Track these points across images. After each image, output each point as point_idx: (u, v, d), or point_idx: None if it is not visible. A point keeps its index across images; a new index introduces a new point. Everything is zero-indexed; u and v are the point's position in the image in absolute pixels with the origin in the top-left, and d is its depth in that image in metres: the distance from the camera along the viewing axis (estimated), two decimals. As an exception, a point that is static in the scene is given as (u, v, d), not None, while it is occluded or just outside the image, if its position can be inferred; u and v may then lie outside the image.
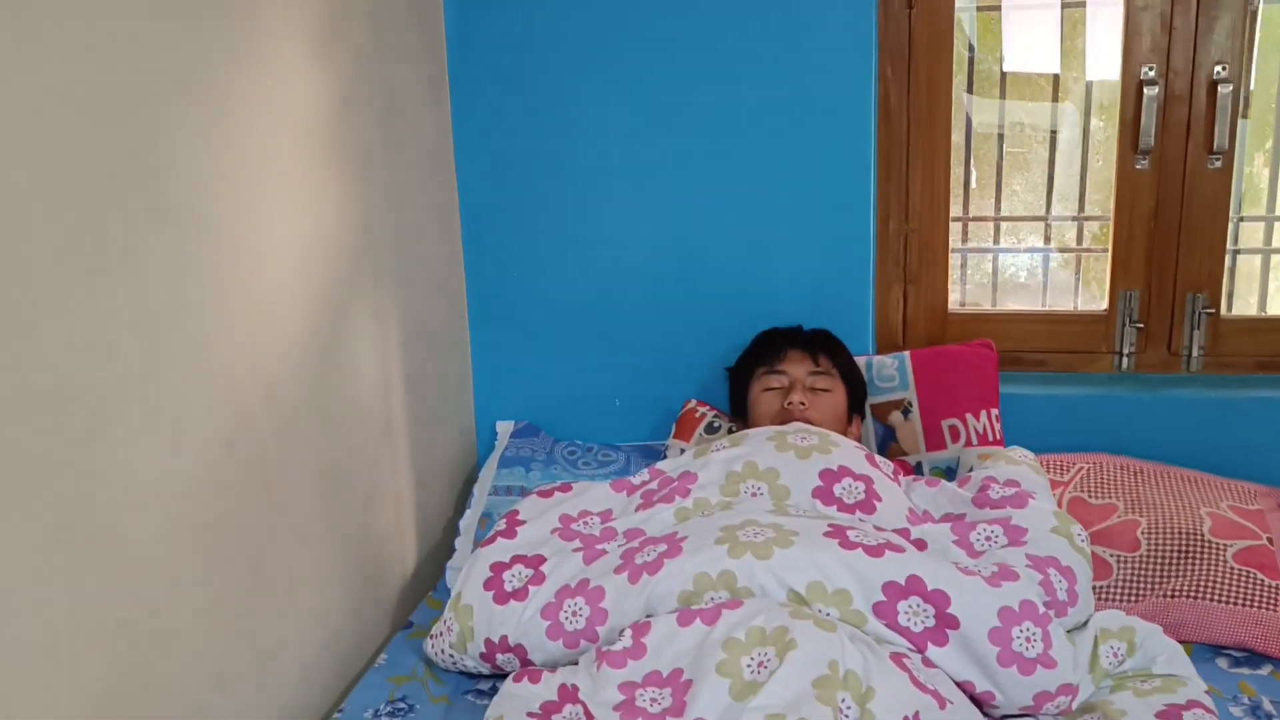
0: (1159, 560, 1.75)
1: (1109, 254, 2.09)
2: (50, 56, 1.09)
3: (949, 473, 1.98)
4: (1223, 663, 1.65)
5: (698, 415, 2.10)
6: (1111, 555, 1.77)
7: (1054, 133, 2.17)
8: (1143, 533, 1.79)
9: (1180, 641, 1.55)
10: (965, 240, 2.25)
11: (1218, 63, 1.95)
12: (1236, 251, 2.12)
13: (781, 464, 1.68)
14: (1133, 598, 1.73)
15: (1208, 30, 1.94)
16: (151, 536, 1.26)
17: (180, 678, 1.32)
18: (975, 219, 2.24)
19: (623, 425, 2.23)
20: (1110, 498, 1.87)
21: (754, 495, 1.66)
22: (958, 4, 2.04)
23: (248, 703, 1.46)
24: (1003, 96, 2.18)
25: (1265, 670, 1.62)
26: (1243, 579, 1.70)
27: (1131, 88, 1.99)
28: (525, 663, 1.57)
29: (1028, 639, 1.40)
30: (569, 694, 1.39)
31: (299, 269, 1.58)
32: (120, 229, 1.20)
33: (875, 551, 1.46)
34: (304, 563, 1.61)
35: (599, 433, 2.23)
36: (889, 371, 2.05)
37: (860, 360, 2.04)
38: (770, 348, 1.99)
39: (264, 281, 1.49)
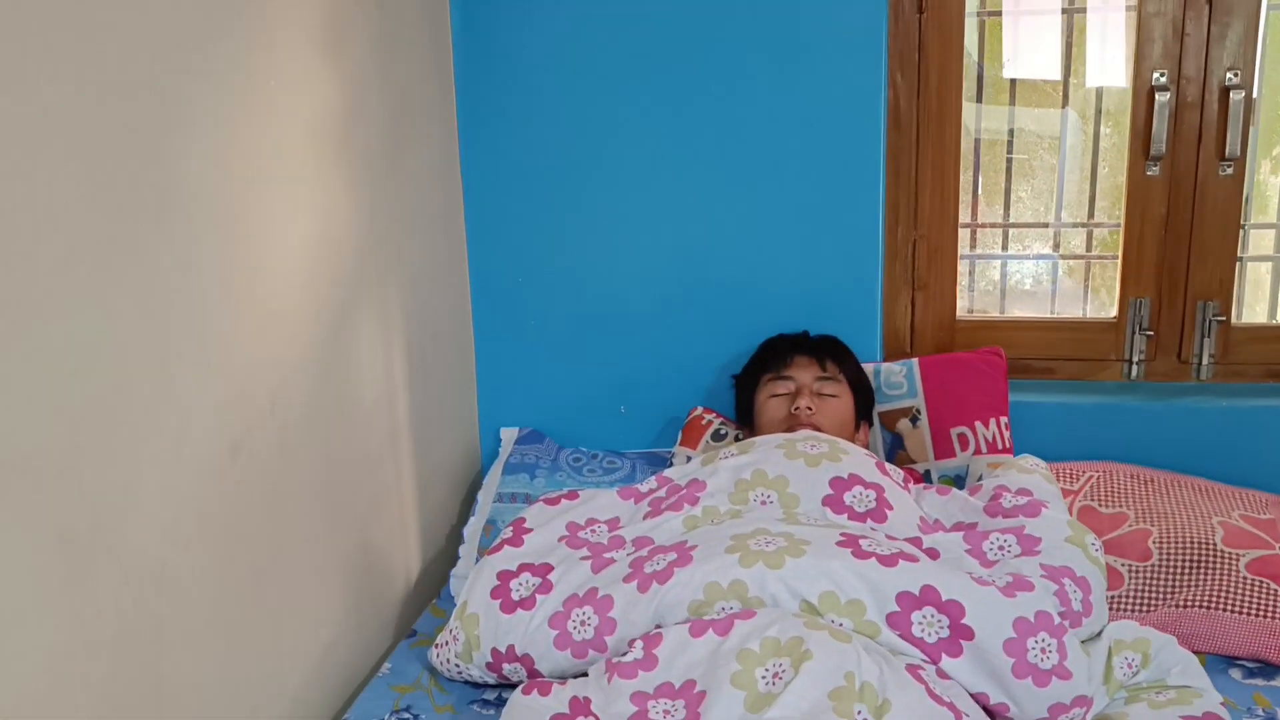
0: (1171, 570, 1.74)
1: (1119, 261, 2.08)
2: (55, 55, 1.08)
3: (958, 481, 1.96)
4: (1236, 674, 1.63)
5: (704, 422, 2.08)
6: (1123, 565, 1.76)
7: (1058, 140, 2.16)
8: (1154, 542, 1.77)
9: (1193, 652, 1.54)
10: (973, 247, 2.24)
11: (1230, 69, 1.94)
12: (1245, 259, 2.11)
13: (791, 472, 1.66)
14: (1145, 608, 1.72)
15: (1220, 36, 1.93)
16: (154, 542, 1.24)
17: (183, 685, 1.30)
18: (984, 225, 2.23)
19: (628, 432, 2.21)
20: (1121, 507, 1.86)
21: (763, 503, 1.64)
22: (969, 9, 2.03)
23: (250, 711, 1.44)
24: (1012, 103, 2.17)
25: (1279, 681, 1.61)
26: (1256, 589, 1.68)
27: (1143, 94, 1.98)
28: (532, 673, 1.55)
29: (1043, 650, 1.39)
30: (581, 707, 1.37)
31: (304, 272, 1.57)
32: (125, 229, 1.18)
33: (889, 561, 1.45)
34: (307, 569, 1.59)
35: (604, 439, 2.22)
36: (897, 379, 2.03)
37: (868, 367, 2.02)
38: (776, 354, 1.97)
39: (269, 285, 1.47)
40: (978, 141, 2.18)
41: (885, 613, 1.41)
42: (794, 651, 1.31)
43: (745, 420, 2.00)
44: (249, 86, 1.41)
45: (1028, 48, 2.13)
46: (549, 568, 1.61)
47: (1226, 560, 1.72)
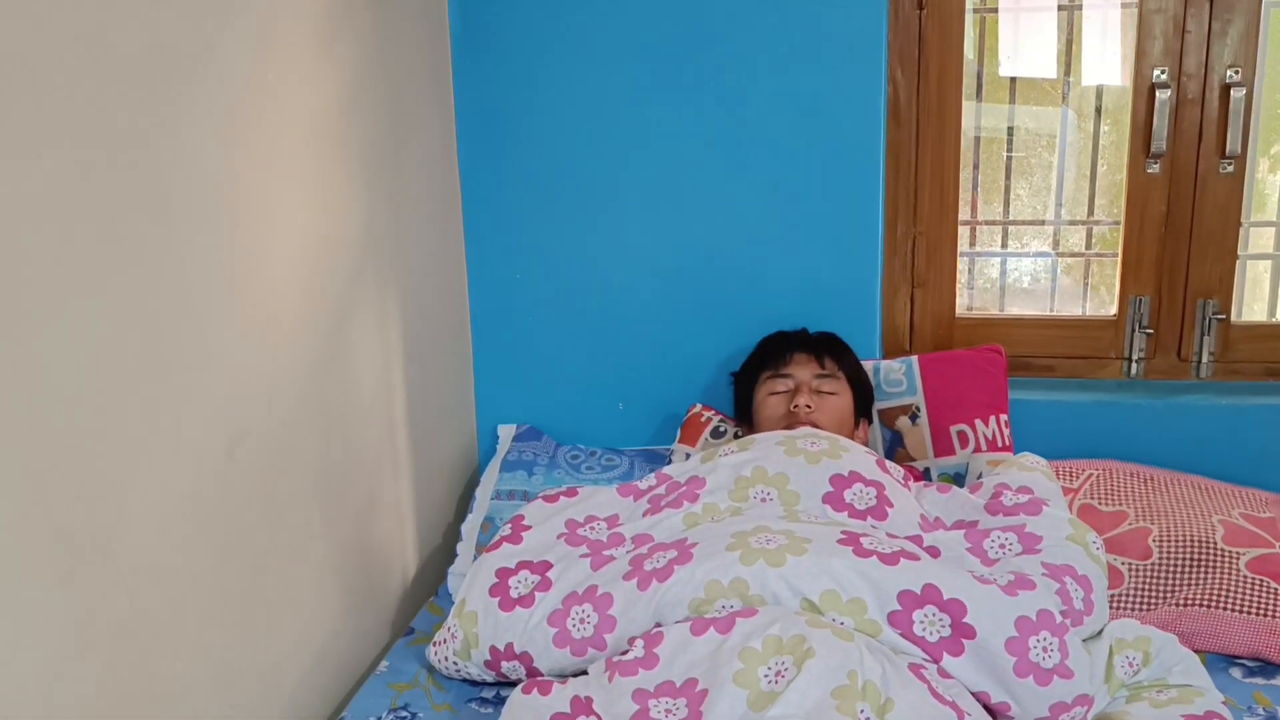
0: (1171, 569, 1.73)
1: (1118, 259, 2.08)
2: (52, 51, 1.07)
3: (957, 478, 1.96)
4: (1236, 673, 1.63)
5: (703, 419, 2.08)
6: (1123, 563, 1.75)
7: (1056, 138, 2.16)
8: (1154, 540, 1.77)
9: (1194, 651, 1.54)
10: (972, 245, 2.23)
11: (1231, 66, 1.93)
12: (1245, 257, 2.11)
13: (791, 469, 1.66)
14: (1145, 606, 1.71)
15: (1221, 33, 1.93)
16: (151, 541, 1.24)
17: (180, 684, 1.29)
18: (984, 223, 2.22)
19: (626, 429, 2.20)
20: (1120, 505, 1.85)
21: (763, 501, 1.64)
22: (966, 6, 2.02)
23: (247, 709, 1.43)
24: (1011, 101, 2.16)
25: (1279, 680, 1.60)
26: (1256, 588, 1.68)
27: (1143, 91, 1.98)
28: (531, 671, 1.54)
29: (1045, 649, 1.38)
30: (582, 706, 1.36)
31: (301, 269, 1.56)
32: (120, 227, 1.17)
33: (890, 559, 1.44)
34: (304, 567, 1.59)
35: (602, 437, 2.21)
36: (896, 376, 2.03)
37: (867, 365, 2.02)
38: (775, 351, 1.97)
39: (266, 282, 1.46)
40: (977, 139, 2.18)
41: (887, 611, 1.41)
42: (796, 650, 1.30)
43: (744, 418, 2.00)
44: (246, 82, 1.40)
45: (1026, 45, 2.12)
46: (548, 565, 1.60)
47: (1227, 559, 1.72)
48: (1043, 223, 2.22)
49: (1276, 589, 1.67)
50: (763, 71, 2.01)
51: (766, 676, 1.29)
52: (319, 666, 1.62)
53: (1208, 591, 1.69)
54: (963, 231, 2.15)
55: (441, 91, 2.08)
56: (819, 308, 2.07)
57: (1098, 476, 1.91)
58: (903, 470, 1.77)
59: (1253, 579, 1.69)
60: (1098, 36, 2.08)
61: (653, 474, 1.81)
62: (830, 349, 1.96)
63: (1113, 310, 2.10)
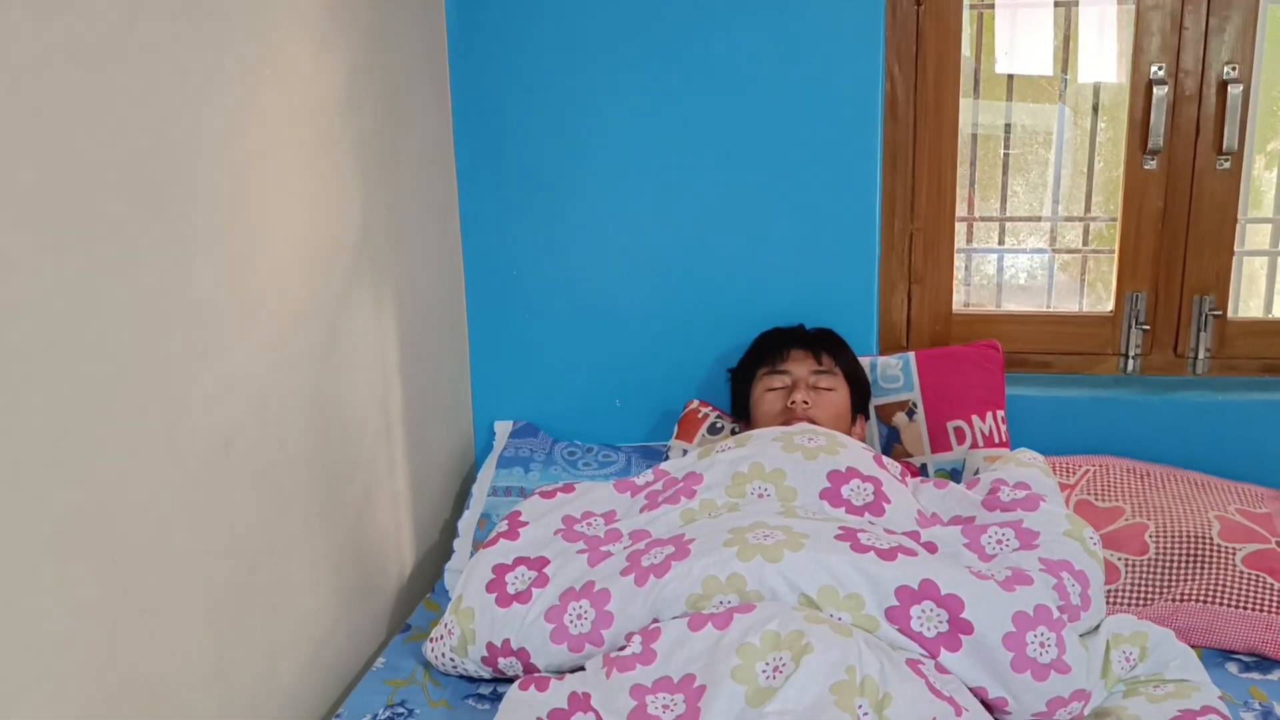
0: (1167, 564, 1.73)
1: (1115, 255, 2.08)
2: (47, 49, 1.06)
3: (954, 474, 1.96)
4: (1233, 668, 1.63)
5: (700, 416, 2.08)
6: (1119, 559, 1.75)
7: (1053, 135, 2.16)
8: (1150, 536, 1.77)
9: (1190, 646, 1.54)
10: (969, 242, 2.23)
11: (1228, 63, 1.94)
12: (1241, 253, 2.11)
13: (788, 465, 1.66)
14: (1141, 602, 1.72)
15: (1218, 29, 1.93)
16: (147, 537, 1.23)
17: (176, 681, 1.29)
18: (981, 219, 2.22)
19: (623, 425, 2.20)
20: (1117, 500, 1.86)
21: (760, 496, 1.64)
22: (964, 2, 2.02)
23: (243, 705, 1.43)
24: (1008, 98, 2.16)
25: (1276, 675, 1.61)
26: (1252, 583, 1.68)
27: (1140, 87, 1.98)
28: (528, 667, 1.54)
29: (1042, 644, 1.38)
30: (580, 702, 1.36)
31: (297, 265, 1.56)
32: (117, 224, 1.17)
33: (888, 555, 1.44)
34: (301, 564, 1.58)
35: (599, 433, 2.21)
36: (893, 372, 2.03)
37: (864, 361, 2.02)
38: (772, 347, 1.96)
39: (262, 278, 1.46)
40: (974, 136, 2.18)
41: (884, 607, 1.41)
42: (795, 645, 1.30)
43: (741, 414, 2.00)
44: (243, 77, 1.40)
45: (1023, 42, 2.12)
46: (545, 561, 1.60)
47: (1223, 554, 1.72)
48: (1039, 219, 2.22)
49: (1272, 584, 1.68)
50: (760, 67, 2.01)
51: (764, 672, 1.29)
52: (315, 663, 1.62)
53: (1204, 587, 1.69)
54: (960, 228, 2.15)
55: (439, 89, 2.08)
56: (816, 304, 2.07)
57: (1094, 472, 1.91)
58: (900, 466, 1.77)
59: (1249, 574, 1.69)
60: (1094, 33, 2.08)
61: (650, 470, 1.81)
62: (827, 345, 1.96)
63: (1109, 306, 2.10)
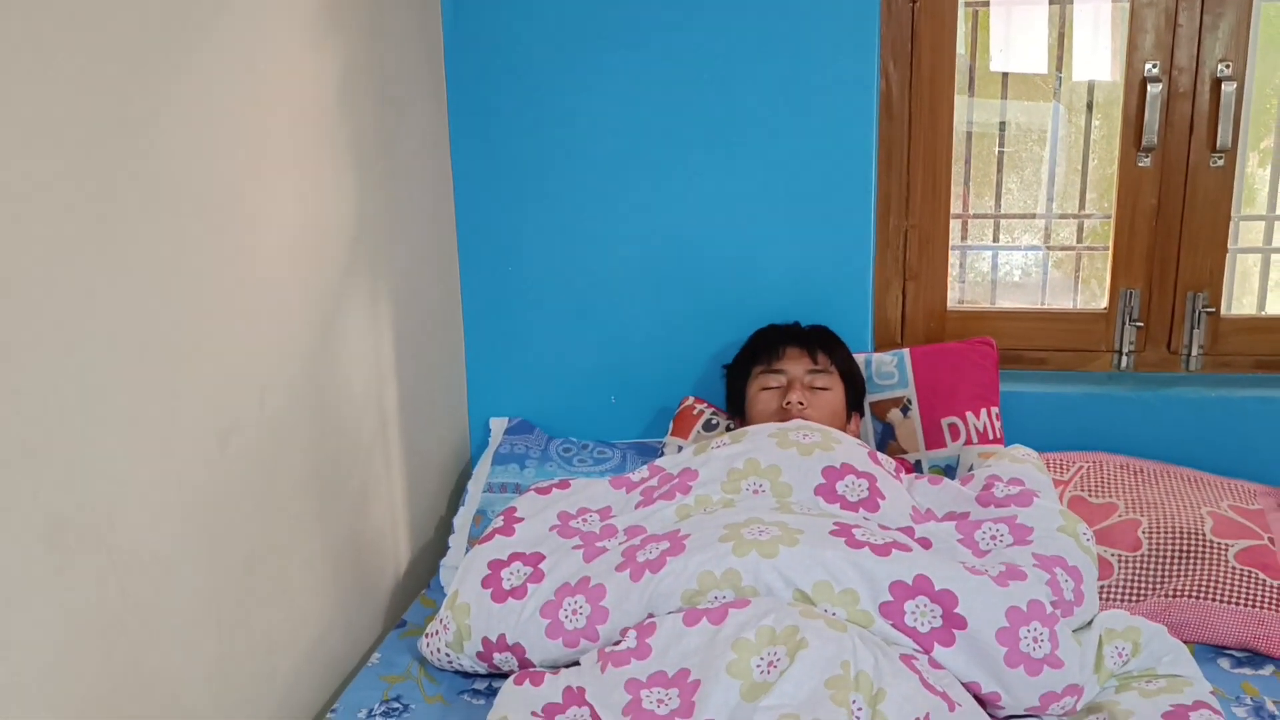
0: (1160, 560, 1.74)
1: (1109, 252, 2.08)
2: (42, 43, 1.06)
3: (949, 471, 1.96)
4: (1225, 663, 1.64)
5: (695, 412, 2.08)
6: (1113, 555, 1.76)
7: (1047, 132, 2.17)
8: (1144, 532, 1.78)
9: (1182, 641, 1.54)
10: (964, 239, 2.24)
11: (1221, 60, 1.94)
12: (1235, 251, 2.12)
13: (784, 461, 1.66)
14: (1134, 597, 1.72)
15: (1212, 27, 1.93)
16: (143, 533, 1.23)
17: (172, 677, 1.29)
18: (976, 216, 2.23)
19: (618, 422, 2.21)
20: (1111, 497, 1.86)
21: (756, 493, 1.64)
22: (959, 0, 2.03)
23: (240, 701, 1.43)
24: (1003, 96, 2.17)
25: (1268, 670, 1.62)
26: (1244, 579, 1.69)
27: (1135, 84, 1.98)
28: (524, 663, 1.54)
29: (1035, 639, 1.39)
30: (574, 696, 1.37)
31: (293, 261, 1.56)
32: (112, 218, 1.17)
33: (882, 551, 1.45)
34: (296, 560, 1.58)
35: (594, 429, 2.21)
36: (888, 369, 2.03)
37: (859, 357, 2.02)
38: (768, 346, 1.97)
39: (258, 273, 1.46)
40: (968, 133, 2.18)
41: (879, 602, 1.41)
42: (789, 640, 1.31)
43: (737, 411, 2.00)
44: (239, 74, 1.40)
45: (1018, 40, 2.13)
46: (540, 557, 1.61)
47: (1215, 550, 1.73)
48: (1034, 216, 2.23)
49: (1265, 580, 1.68)
50: (755, 64, 2.01)
51: (759, 667, 1.29)
52: (311, 658, 1.62)
53: (1197, 582, 1.70)
54: (954, 225, 2.15)
55: (434, 83, 2.08)
56: (811, 300, 2.07)
57: (1088, 468, 1.92)
58: (894, 462, 1.77)
59: (1241, 570, 1.70)
60: (1089, 31, 2.09)
61: (645, 466, 1.81)
62: (822, 343, 1.96)
63: (1103, 303, 2.11)
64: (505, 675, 1.57)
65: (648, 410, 2.20)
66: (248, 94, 1.42)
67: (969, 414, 1.98)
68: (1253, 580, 1.69)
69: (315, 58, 1.60)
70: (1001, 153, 2.21)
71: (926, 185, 2.08)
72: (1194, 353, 2.06)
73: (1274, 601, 1.66)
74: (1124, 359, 2.09)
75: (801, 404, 1.85)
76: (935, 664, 1.39)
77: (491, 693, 1.58)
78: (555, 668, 1.50)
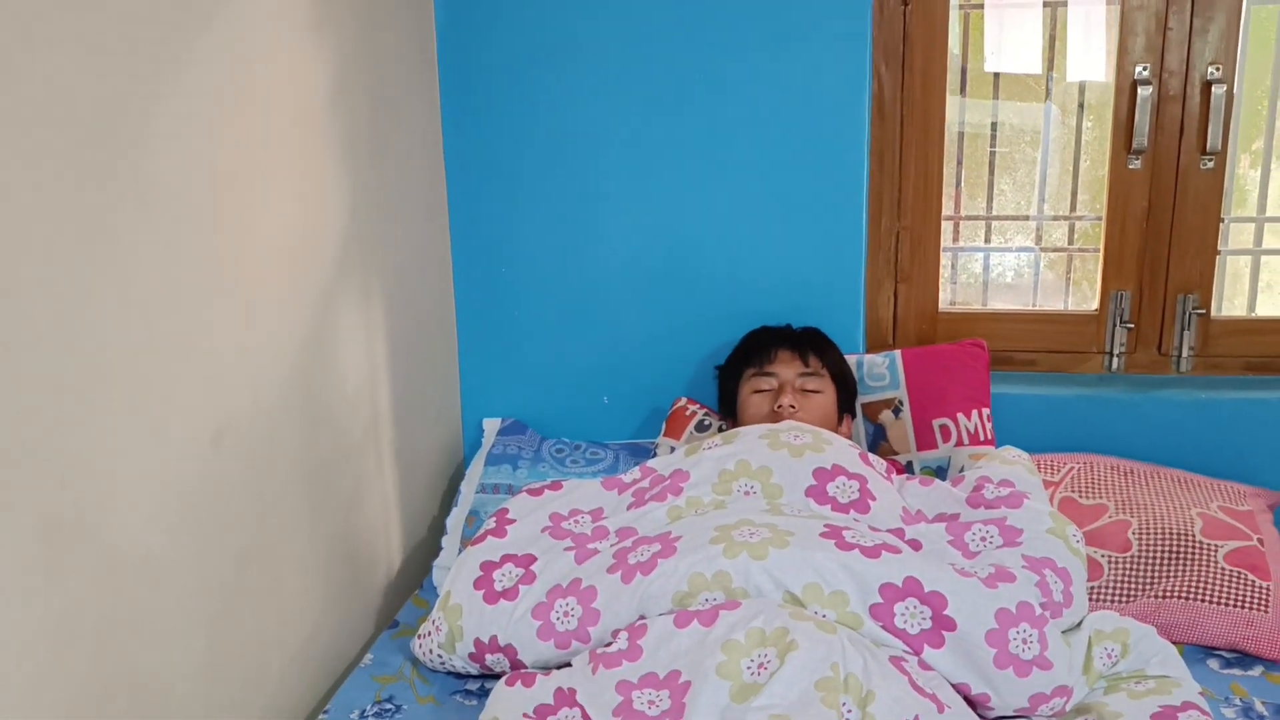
0: (1150, 561, 1.75)
1: (1100, 254, 2.09)
2: (34, 41, 1.06)
3: (940, 472, 1.97)
4: (1214, 664, 1.65)
5: (688, 413, 2.08)
6: (1103, 556, 1.77)
7: (1040, 134, 2.17)
8: (1134, 533, 1.78)
9: (1172, 642, 1.55)
10: (955, 240, 2.24)
11: (1212, 63, 1.95)
12: (1225, 253, 2.12)
13: (775, 462, 1.67)
14: (1124, 598, 1.73)
15: (1202, 30, 1.94)
16: (135, 532, 1.23)
17: (164, 674, 1.29)
18: (968, 218, 2.23)
19: (611, 423, 2.21)
20: (1101, 498, 1.87)
21: (747, 494, 1.64)
22: (951, 2, 2.03)
23: (232, 702, 1.43)
24: (995, 97, 2.17)
25: (1257, 671, 1.62)
26: (1234, 580, 1.70)
27: (1125, 87, 1.99)
28: (515, 664, 1.55)
29: (1024, 641, 1.39)
30: (565, 697, 1.37)
31: (286, 261, 1.56)
32: (105, 218, 1.17)
33: (872, 553, 1.45)
34: (289, 560, 1.58)
35: (587, 430, 2.21)
36: (879, 370, 2.04)
37: (851, 359, 2.02)
38: (759, 348, 1.97)
39: (251, 273, 1.46)
40: (961, 134, 2.18)
41: (868, 604, 1.42)
42: (779, 642, 1.31)
43: (729, 412, 2.00)
44: (231, 73, 1.40)
45: (1010, 41, 2.13)
46: (532, 558, 1.61)
47: (1205, 551, 1.73)
48: (1026, 218, 2.23)
49: (1254, 581, 1.69)
50: (747, 65, 2.02)
51: (749, 668, 1.30)
52: (303, 659, 1.62)
53: (1186, 584, 1.71)
54: (946, 227, 2.16)
55: (427, 84, 2.08)
56: (803, 302, 2.07)
57: (1078, 470, 1.93)
58: (885, 463, 1.78)
59: (1231, 571, 1.70)
60: (1081, 33, 2.09)
61: (637, 467, 1.81)
62: (814, 346, 1.96)
63: (1094, 305, 2.12)
64: (497, 676, 1.57)
65: (640, 411, 2.20)
66: (241, 93, 1.42)
67: (960, 415, 1.98)
68: (1242, 581, 1.69)
69: (309, 58, 1.60)
70: (994, 153, 2.21)
71: (918, 186, 2.09)
72: (1184, 354, 2.07)
73: (1263, 602, 1.67)
74: (1115, 361, 2.10)
75: (793, 407, 1.86)
76: (925, 666, 1.40)
77: (483, 694, 1.58)
78: (547, 669, 1.50)
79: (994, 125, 2.20)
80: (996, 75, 2.16)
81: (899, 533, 1.57)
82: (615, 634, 1.45)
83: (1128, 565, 1.75)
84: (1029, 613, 1.41)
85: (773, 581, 1.43)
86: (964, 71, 2.15)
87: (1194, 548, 1.74)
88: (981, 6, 2.13)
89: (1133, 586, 1.74)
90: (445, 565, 1.92)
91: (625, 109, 2.07)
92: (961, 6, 2.11)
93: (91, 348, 1.15)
